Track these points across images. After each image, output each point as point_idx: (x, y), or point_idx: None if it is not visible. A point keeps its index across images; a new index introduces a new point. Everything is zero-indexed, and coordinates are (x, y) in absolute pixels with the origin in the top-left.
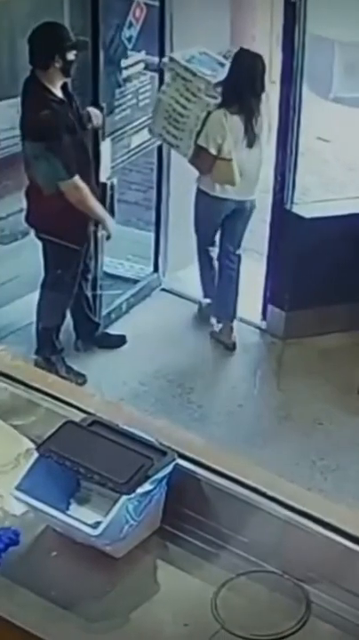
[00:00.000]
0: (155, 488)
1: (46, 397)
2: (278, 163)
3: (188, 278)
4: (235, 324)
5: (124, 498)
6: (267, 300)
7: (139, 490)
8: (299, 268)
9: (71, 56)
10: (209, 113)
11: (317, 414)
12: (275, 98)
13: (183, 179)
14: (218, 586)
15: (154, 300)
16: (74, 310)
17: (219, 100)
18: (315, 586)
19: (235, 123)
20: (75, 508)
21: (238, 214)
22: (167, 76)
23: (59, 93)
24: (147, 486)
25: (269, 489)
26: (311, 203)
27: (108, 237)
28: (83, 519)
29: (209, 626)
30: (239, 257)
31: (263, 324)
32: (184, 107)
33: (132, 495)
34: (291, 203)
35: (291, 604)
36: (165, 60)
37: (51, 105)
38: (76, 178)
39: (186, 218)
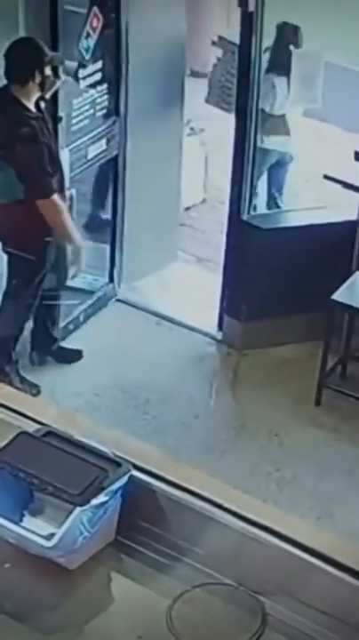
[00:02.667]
0: (109, 499)
1: None
2: (234, 173)
3: (144, 289)
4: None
5: (78, 509)
6: (223, 311)
7: (94, 501)
8: (255, 279)
9: (48, 71)
10: None
11: (273, 425)
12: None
13: (138, 189)
14: (173, 598)
15: (109, 311)
16: (32, 322)
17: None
18: (270, 598)
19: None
20: (28, 520)
21: (281, 164)
22: (219, 53)
23: (33, 109)
24: (101, 498)
25: (225, 501)
26: (268, 214)
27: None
28: (37, 531)
29: (164, 638)
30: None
31: (219, 335)
32: (233, 75)
33: (87, 507)
34: (247, 213)
35: (247, 616)
36: (215, 39)
37: (29, 121)
38: (56, 196)
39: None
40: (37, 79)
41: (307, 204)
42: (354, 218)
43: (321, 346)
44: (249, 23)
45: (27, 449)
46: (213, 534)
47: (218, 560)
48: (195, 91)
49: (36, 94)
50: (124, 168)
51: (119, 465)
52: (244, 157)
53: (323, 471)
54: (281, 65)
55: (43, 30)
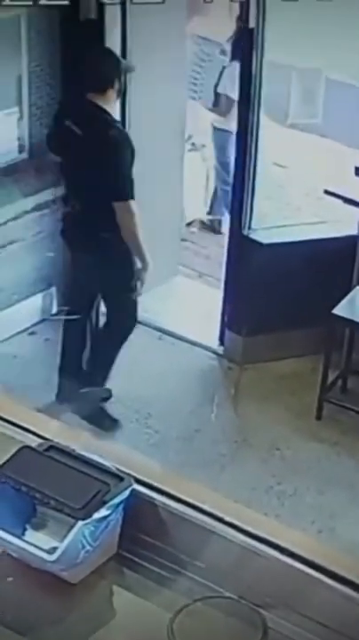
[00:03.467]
0: (111, 513)
1: (2, 422)
2: (235, 188)
3: (146, 304)
4: None
5: (81, 523)
6: (224, 326)
7: (96, 515)
8: (256, 294)
9: (123, 78)
10: None
11: (274, 439)
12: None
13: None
14: (174, 611)
15: None
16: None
17: None
18: (271, 611)
19: None
20: (31, 534)
21: None
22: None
23: (115, 115)
24: (103, 512)
25: (226, 514)
26: (268, 228)
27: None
28: (40, 544)
29: None
30: None
31: (220, 350)
32: None
33: (89, 520)
34: (249, 229)
35: (248, 629)
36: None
37: (116, 125)
38: (133, 201)
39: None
40: (116, 86)
41: (308, 218)
42: (354, 232)
43: (321, 360)
44: (249, 39)
45: (30, 463)
46: (214, 548)
47: (219, 573)
48: (195, 107)
49: (115, 101)
50: None
51: (121, 479)
52: (245, 172)
53: (325, 485)
54: None
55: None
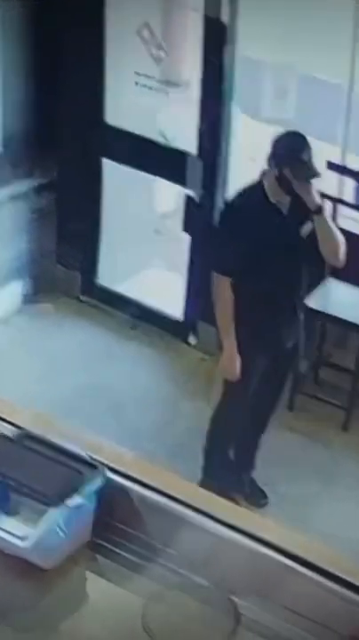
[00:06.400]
0: (85, 501)
1: None
2: (207, 183)
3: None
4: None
5: (54, 511)
6: (197, 316)
7: (69, 503)
8: None
9: None
10: None
11: None
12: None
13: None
14: (147, 598)
15: (84, 315)
16: None
17: None
18: (244, 598)
19: None
20: (5, 521)
21: None
22: None
23: None
24: (77, 499)
25: (199, 503)
26: None
27: None
28: (14, 531)
29: (138, 638)
30: None
31: (193, 340)
32: None
33: (62, 508)
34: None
35: (221, 616)
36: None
37: None
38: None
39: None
40: None
41: None
42: None
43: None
44: (222, 34)
45: (4, 451)
46: (188, 536)
47: (192, 561)
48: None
49: None
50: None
51: (94, 467)
52: (216, 163)
53: (297, 475)
54: None
55: None
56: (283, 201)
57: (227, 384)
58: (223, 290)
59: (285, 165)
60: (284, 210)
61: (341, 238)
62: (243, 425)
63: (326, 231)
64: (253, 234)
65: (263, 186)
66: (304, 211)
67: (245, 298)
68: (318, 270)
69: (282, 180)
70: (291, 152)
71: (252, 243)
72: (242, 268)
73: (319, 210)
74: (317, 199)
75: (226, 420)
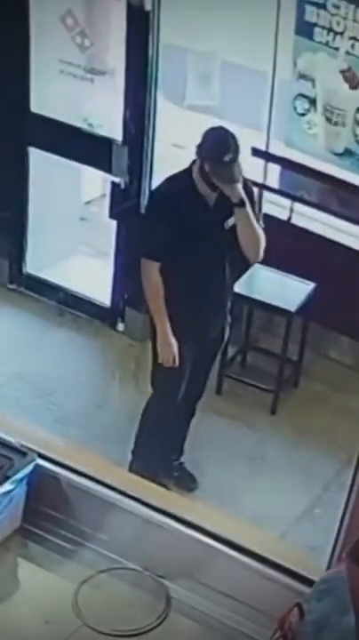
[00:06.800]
0: (15, 488)
1: None
2: (133, 169)
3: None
4: None
5: None
6: (124, 303)
7: None
8: None
9: None
10: None
11: None
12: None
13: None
14: (79, 583)
15: (11, 303)
16: None
17: None
18: (174, 582)
19: None
20: None
21: None
22: None
23: None
24: (6, 486)
25: (128, 488)
26: None
27: None
28: None
29: (70, 622)
30: None
31: (121, 327)
32: None
33: None
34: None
35: (152, 599)
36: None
37: None
38: None
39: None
40: None
41: None
42: None
43: None
44: (146, 21)
45: None
46: (118, 520)
47: (122, 545)
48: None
49: None
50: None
51: (24, 454)
52: (144, 153)
53: (225, 458)
54: None
55: None
56: (209, 190)
57: (159, 372)
58: (151, 274)
59: (207, 162)
60: (209, 200)
61: (261, 234)
62: (173, 410)
63: (246, 226)
64: (177, 221)
65: (191, 174)
66: (230, 203)
67: (172, 283)
68: (245, 258)
69: (203, 174)
70: (214, 151)
71: (176, 230)
72: (168, 254)
73: (241, 203)
74: (239, 193)
75: (157, 406)
